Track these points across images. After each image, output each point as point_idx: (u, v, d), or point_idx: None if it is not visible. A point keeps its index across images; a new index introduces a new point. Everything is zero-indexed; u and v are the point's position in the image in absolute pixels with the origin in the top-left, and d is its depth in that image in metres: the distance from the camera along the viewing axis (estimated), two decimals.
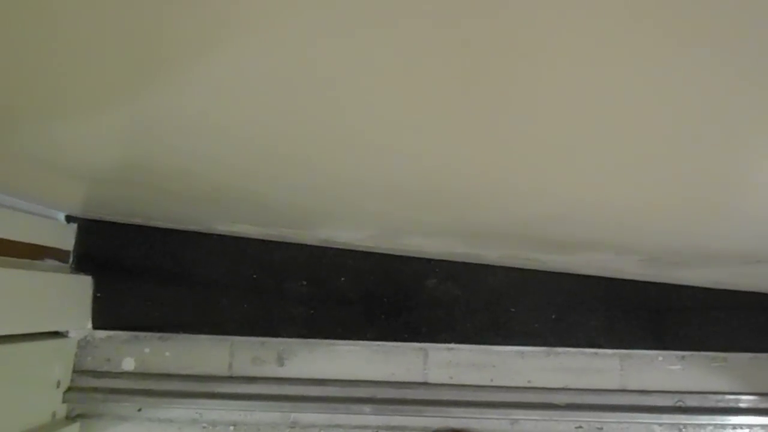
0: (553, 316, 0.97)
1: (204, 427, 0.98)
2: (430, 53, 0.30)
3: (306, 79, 0.34)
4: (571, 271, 0.97)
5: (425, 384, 0.97)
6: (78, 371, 1.00)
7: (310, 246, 1.00)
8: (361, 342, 0.98)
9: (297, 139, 0.44)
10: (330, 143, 0.44)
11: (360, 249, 0.99)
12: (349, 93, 0.36)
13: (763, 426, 0.93)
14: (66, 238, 1.01)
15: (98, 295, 1.01)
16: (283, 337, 0.98)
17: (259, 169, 0.54)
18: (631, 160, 0.43)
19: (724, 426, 0.93)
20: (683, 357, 0.97)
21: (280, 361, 0.99)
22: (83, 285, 1.00)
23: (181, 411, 0.98)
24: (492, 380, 0.97)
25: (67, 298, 0.98)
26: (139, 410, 0.99)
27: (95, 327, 1.00)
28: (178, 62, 0.34)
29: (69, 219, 1.02)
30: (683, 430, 0.94)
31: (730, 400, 0.95)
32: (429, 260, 0.99)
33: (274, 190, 0.63)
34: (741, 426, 0.94)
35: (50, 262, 0.97)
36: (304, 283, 0.99)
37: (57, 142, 0.55)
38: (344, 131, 0.41)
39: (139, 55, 0.33)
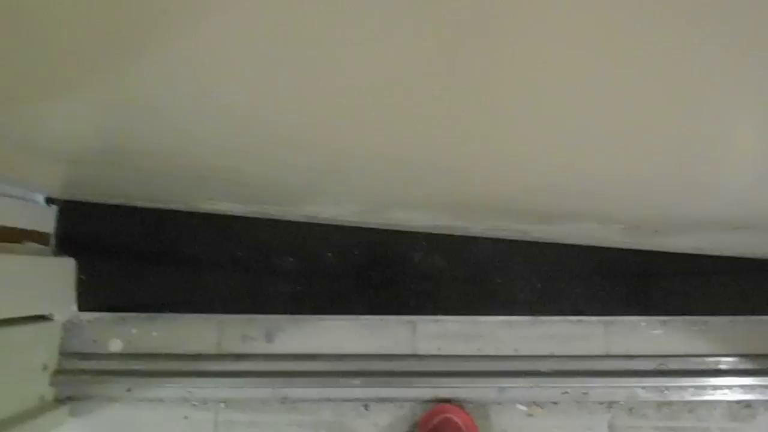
0: (538, 286, 0.98)
1: (194, 405, 0.99)
2: (415, 19, 0.30)
3: (290, 50, 0.33)
4: (555, 241, 0.99)
5: (414, 356, 0.99)
6: (64, 354, 0.99)
7: (296, 222, 0.99)
8: (349, 316, 0.98)
9: (281, 113, 0.44)
10: (314, 116, 0.44)
11: (346, 224, 0.99)
12: (332, 64, 0.35)
13: (741, 386, 0.96)
14: (46, 221, 0.99)
15: (82, 277, 1.00)
16: (271, 313, 0.98)
17: (244, 145, 0.54)
18: (612, 131, 0.43)
19: (704, 387, 0.96)
20: (665, 322, 0.99)
21: (269, 337, 0.99)
22: (66, 267, 0.99)
23: (171, 390, 0.99)
24: (479, 350, 0.99)
25: (50, 281, 0.96)
26: (129, 390, 0.99)
27: (80, 309, 0.99)
28: (158, 35, 0.33)
29: (49, 201, 1.00)
30: (665, 392, 0.96)
31: (710, 362, 0.97)
32: (415, 233, 0.99)
33: (260, 167, 0.63)
34: (721, 387, 0.96)
35: (31, 246, 0.95)
36: (291, 259, 0.99)
37: (34, 122, 0.53)
38: (330, 103, 0.41)
39: (116, 28, 0.33)
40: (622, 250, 0.99)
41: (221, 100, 0.41)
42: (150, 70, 0.37)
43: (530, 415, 0.98)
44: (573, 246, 0.99)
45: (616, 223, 0.79)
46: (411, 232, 0.99)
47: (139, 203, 1.00)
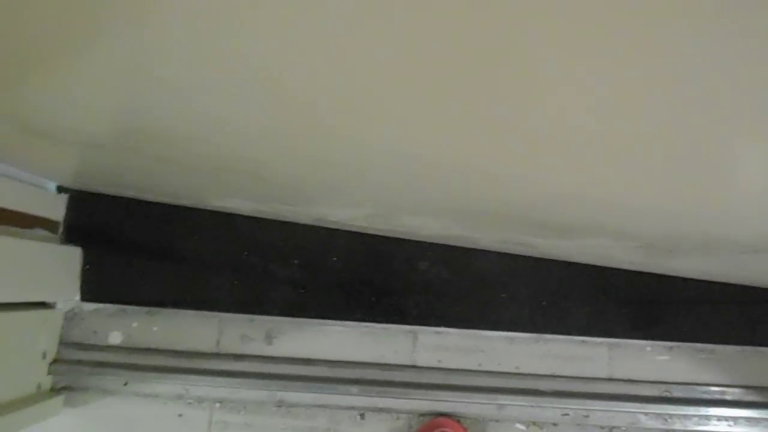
0: (543, 303, 0.97)
1: (189, 403, 0.98)
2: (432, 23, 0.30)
3: (318, 41, 0.33)
4: (563, 259, 0.97)
5: (413, 367, 0.97)
6: (64, 343, 1.00)
7: (302, 225, 0.99)
8: (350, 323, 0.98)
9: (305, 103, 0.44)
10: (340, 108, 0.44)
11: (352, 230, 0.98)
12: (356, 60, 0.35)
13: (747, 418, 0.94)
14: (56, 209, 1.00)
15: (87, 267, 1.00)
16: (272, 315, 0.98)
17: (265, 135, 0.54)
18: (631, 142, 0.43)
19: (708, 417, 0.94)
20: (671, 348, 0.97)
21: (269, 339, 0.99)
22: (72, 256, 0.99)
23: (167, 386, 0.98)
24: (480, 365, 0.97)
25: (55, 269, 0.97)
26: (125, 384, 0.99)
27: (83, 299, 1.00)
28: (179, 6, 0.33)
29: (60, 189, 1.01)
30: (668, 420, 0.94)
31: (715, 392, 0.95)
32: (421, 243, 0.98)
33: (278, 160, 0.63)
34: (726, 418, 0.94)
35: (40, 232, 0.96)
36: (296, 261, 0.98)
37: (48, 105, 0.54)
38: (364, 91, 0.41)
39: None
40: (630, 272, 0.97)
41: (250, 81, 0.41)
42: (171, 43, 0.37)
43: None
44: (581, 265, 0.98)
45: (631, 240, 0.78)
46: (417, 242, 0.99)
47: (149, 197, 1.00)
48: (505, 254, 0.98)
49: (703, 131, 0.40)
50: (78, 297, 0.99)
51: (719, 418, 0.94)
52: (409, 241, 0.99)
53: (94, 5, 0.34)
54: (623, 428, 0.95)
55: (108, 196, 1.02)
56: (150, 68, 0.41)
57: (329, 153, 0.57)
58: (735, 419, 0.94)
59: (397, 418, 0.96)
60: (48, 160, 0.84)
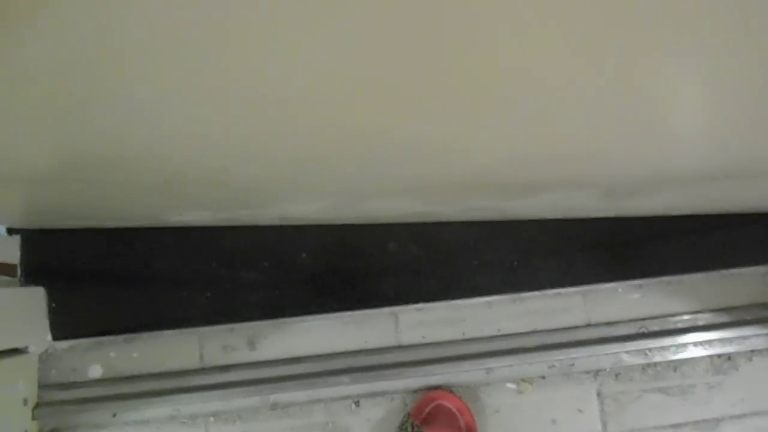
0: (515, 263, 0.99)
1: (183, 423, 0.97)
2: None
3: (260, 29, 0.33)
4: (528, 218, 0.99)
5: (399, 347, 0.99)
6: (44, 386, 0.97)
7: (267, 227, 0.98)
8: (330, 315, 0.98)
9: (260, 99, 0.43)
10: (294, 99, 0.43)
11: (318, 223, 0.98)
12: (307, 48, 0.35)
13: (720, 340, 0.98)
14: (10, 251, 0.96)
15: (53, 305, 0.97)
16: (251, 321, 0.97)
17: (221, 139, 0.53)
18: (581, 94, 0.44)
19: (685, 345, 0.98)
20: (641, 285, 1.01)
21: (252, 345, 0.98)
22: (36, 297, 0.97)
23: (158, 410, 0.97)
24: (464, 334, 0.99)
25: (20, 313, 0.94)
26: (114, 416, 0.97)
27: (55, 338, 0.97)
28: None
29: (11, 231, 0.97)
30: (648, 353, 0.98)
31: (688, 320, 0.99)
32: (388, 225, 0.99)
33: (237, 163, 0.61)
34: (701, 342, 0.98)
35: None
36: (266, 264, 0.98)
37: None
38: (309, 86, 0.40)
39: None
40: (594, 219, 1.00)
41: (201, 85, 0.40)
42: (108, 69, 0.36)
43: (520, 392, 0.98)
44: (547, 221, 1.00)
45: (592, 188, 0.80)
46: (384, 224, 0.99)
47: (106, 224, 0.98)
48: (472, 222, 1.00)
49: (648, 73, 0.41)
50: (49, 337, 0.97)
51: (695, 344, 0.98)
52: (376, 225, 0.99)
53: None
54: (608, 369, 0.99)
55: (62, 230, 0.99)
56: (86, 85, 0.40)
57: (287, 148, 0.56)
58: (710, 342, 0.98)
59: (392, 399, 0.98)
60: None
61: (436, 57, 0.36)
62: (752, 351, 0.99)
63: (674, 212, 0.99)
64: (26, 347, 0.96)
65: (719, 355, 0.99)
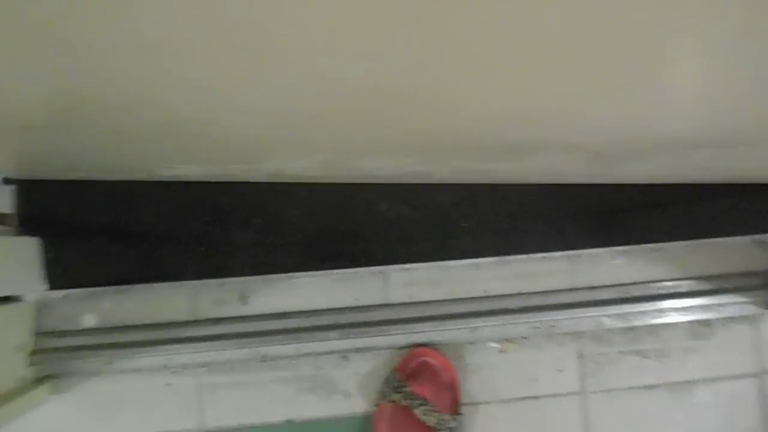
0: (503, 226, 1.01)
1: (175, 372, 1.00)
2: None
3: None
4: (518, 182, 1.01)
5: (387, 305, 1.01)
6: (40, 333, 1.00)
7: (260, 183, 1.00)
8: (320, 272, 1.00)
9: (250, 49, 0.43)
10: (283, 50, 0.44)
11: (310, 181, 0.99)
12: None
13: (699, 306, 1.01)
14: (5, 201, 0.98)
15: (49, 255, 0.99)
16: (242, 276, 0.99)
17: (213, 91, 0.53)
18: (569, 53, 0.44)
19: (664, 310, 1.01)
20: (626, 252, 1.03)
21: (243, 299, 1.01)
22: (31, 247, 0.98)
23: (151, 359, 0.99)
24: (450, 294, 1.01)
25: (16, 262, 0.96)
26: (109, 363, 1.00)
27: (51, 288, 0.99)
28: None
29: (6, 181, 0.98)
30: (629, 318, 1.01)
31: (669, 286, 1.02)
32: (379, 185, 1.00)
33: (227, 116, 0.62)
34: (680, 308, 1.01)
35: None
36: (258, 220, 0.99)
37: None
38: (301, 34, 0.41)
39: None
40: (582, 185, 1.02)
41: (194, 34, 0.40)
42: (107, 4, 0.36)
43: (502, 351, 1.01)
44: (535, 185, 1.01)
45: (580, 152, 0.81)
46: (375, 185, 1.00)
47: (99, 176, 0.99)
48: (462, 185, 1.01)
49: (637, 30, 0.42)
50: (44, 286, 0.99)
51: (674, 310, 1.01)
52: (368, 185, 1.00)
53: None
54: (589, 332, 1.02)
55: (57, 181, 1.00)
56: (84, 29, 0.40)
57: (278, 100, 0.57)
58: (688, 308, 1.01)
59: (378, 355, 1.01)
60: None
61: (427, 6, 0.37)
62: (729, 318, 1.03)
63: (661, 181, 1.00)
64: (22, 296, 0.99)
65: (697, 321, 1.02)
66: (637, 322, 1.01)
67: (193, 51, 0.44)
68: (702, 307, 1.01)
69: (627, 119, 0.64)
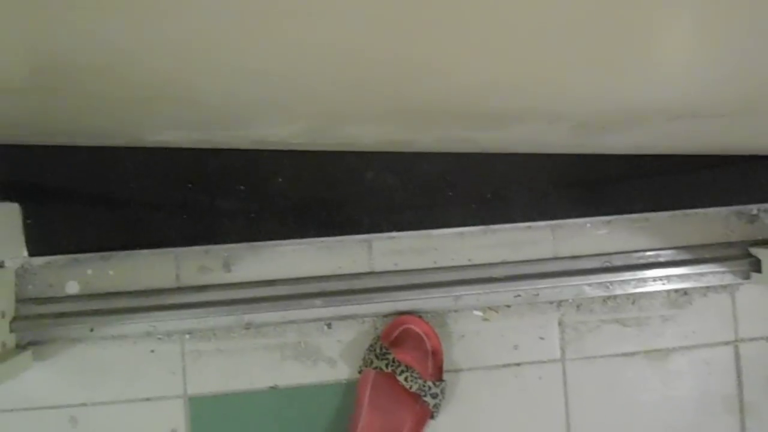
0: (488, 196, 1.01)
1: (159, 339, 1.00)
2: None
3: None
4: (503, 151, 1.01)
5: (372, 273, 1.01)
6: (21, 300, 0.99)
7: (244, 150, 0.98)
8: (305, 240, 1.00)
9: (229, 6, 0.42)
10: (265, 12, 0.43)
11: (295, 149, 0.98)
12: None
13: (678, 276, 1.03)
14: None
15: (29, 221, 0.98)
16: (226, 243, 0.99)
17: (193, 52, 0.52)
18: (555, 20, 0.44)
19: (645, 279, 1.02)
20: (609, 222, 1.04)
21: (227, 267, 1.00)
22: (11, 213, 0.97)
23: (134, 326, 1.00)
24: (435, 262, 1.02)
25: None
26: (92, 330, 1.00)
27: (31, 254, 0.98)
28: None
29: None
30: (610, 287, 1.02)
31: (650, 256, 1.03)
32: (365, 153, 1.00)
33: (208, 80, 0.61)
34: (660, 278, 1.03)
35: None
36: (241, 187, 0.99)
37: None
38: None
39: None
40: (567, 155, 1.02)
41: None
42: None
43: (486, 319, 1.03)
44: (521, 155, 1.01)
45: (564, 121, 0.81)
46: (361, 153, 1.00)
47: (81, 142, 0.97)
48: (447, 154, 1.01)
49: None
50: (25, 253, 0.98)
51: (654, 279, 1.03)
52: (353, 153, 1.00)
53: None
54: (570, 300, 1.03)
55: (38, 147, 0.98)
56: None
57: (260, 62, 0.56)
58: (668, 277, 1.03)
59: (363, 322, 1.01)
60: None
61: None
62: (707, 287, 1.04)
63: (645, 152, 1.01)
64: (2, 262, 0.98)
65: (676, 290, 1.04)
66: (618, 291, 1.03)
67: (173, 7, 0.43)
68: (681, 277, 1.03)
69: (611, 90, 0.64)
